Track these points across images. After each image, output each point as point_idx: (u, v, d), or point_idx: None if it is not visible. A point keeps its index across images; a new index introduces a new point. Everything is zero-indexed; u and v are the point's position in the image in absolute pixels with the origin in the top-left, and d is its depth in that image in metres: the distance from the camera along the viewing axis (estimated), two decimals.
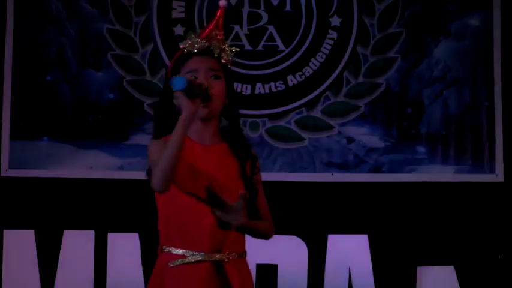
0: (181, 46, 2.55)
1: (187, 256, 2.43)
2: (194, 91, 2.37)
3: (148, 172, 2.50)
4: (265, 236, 2.57)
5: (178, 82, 2.36)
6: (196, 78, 2.46)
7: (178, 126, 2.36)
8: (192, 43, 2.53)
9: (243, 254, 2.51)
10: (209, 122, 2.51)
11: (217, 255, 2.44)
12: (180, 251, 2.44)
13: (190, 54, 2.52)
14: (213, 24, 2.56)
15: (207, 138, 2.51)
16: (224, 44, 2.55)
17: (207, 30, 2.55)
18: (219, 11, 2.57)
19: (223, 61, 2.53)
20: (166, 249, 2.47)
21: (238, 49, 2.60)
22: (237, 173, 2.50)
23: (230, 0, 4.35)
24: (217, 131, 2.54)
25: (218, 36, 2.54)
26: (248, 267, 2.54)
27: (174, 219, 2.47)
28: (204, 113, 2.47)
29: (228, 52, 2.55)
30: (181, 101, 2.38)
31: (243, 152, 2.53)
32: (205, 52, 2.51)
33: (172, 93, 2.47)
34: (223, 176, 2.47)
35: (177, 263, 2.44)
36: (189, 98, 2.37)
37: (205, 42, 2.52)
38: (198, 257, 2.43)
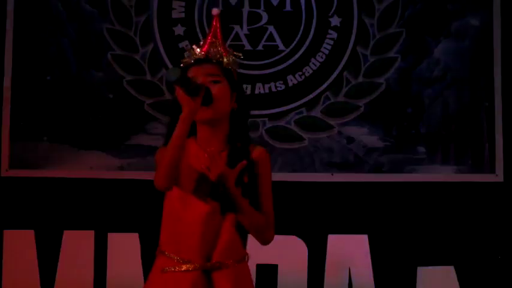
0: (185, 58, 2.58)
1: (179, 263, 2.45)
2: (191, 87, 2.39)
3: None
4: (258, 229, 2.52)
5: (172, 72, 2.38)
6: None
7: (179, 124, 2.39)
8: (191, 56, 2.56)
9: (242, 259, 2.51)
10: (216, 127, 2.51)
11: (208, 264, 2.44)
12: (173, 257, 2.46)
13: (189, 65, 2.55)
14: (210, 34, 2.59)
15: (213, 144, 2.50)
16: (225, 50, 2.56)
17: (207, 43, 2.58)
18: (214, 19, 2.59)
19: (225, 66, 2.53)
20: (163, 251, 2.49)
21: (240, 54, 2.61)
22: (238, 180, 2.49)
23: (230, 0, 4.36)
24: (226, 137, 2.54)
25: (213, 42, 2.56)
26: (248, 272, 2.53)
27: (169, 225, 2.49)
28: (207, 115, 2.48)
29: (230, 57, 2.56)
30: (181, 99, 2.40)
31: (240, 158, 2.52)
32: (204, 60, 2.55)
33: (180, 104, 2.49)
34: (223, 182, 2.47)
35: (168, 270, 2.46)
36: (189, 96, 2.38)
37: (200, 52, 2.55)
38: (188, 265, 2.44)
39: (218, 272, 2.46)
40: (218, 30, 2.58)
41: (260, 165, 2.54)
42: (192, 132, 2.51)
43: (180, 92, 2.41)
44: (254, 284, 2.59)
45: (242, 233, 2.52)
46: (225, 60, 2.55)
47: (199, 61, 2.54)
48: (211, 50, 2.55)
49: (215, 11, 2.61)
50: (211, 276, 2.45)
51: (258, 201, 2.52)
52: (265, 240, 2.56)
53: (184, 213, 2.46)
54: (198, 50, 2.56)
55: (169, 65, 4.31)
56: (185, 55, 2.60)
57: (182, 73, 2.39)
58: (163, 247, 2.50)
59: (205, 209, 2.45)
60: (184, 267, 2.45)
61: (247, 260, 2.54)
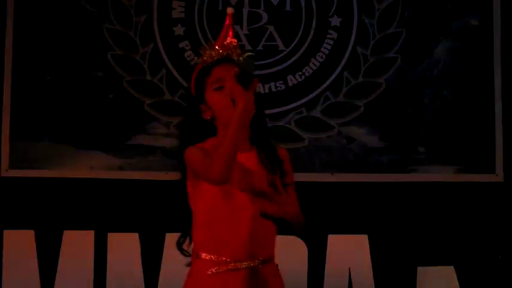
0: (200, 60, 2.55)
1: (224, 264, 2.44)
2: (247, 79, 2.36)
3: (182, 181, 2.50)
4: (296, 220, 2.53)
5: (248, 63, 2.37)
6: (224, 87, 2.47)
7: (234, 118, 2.33)
8: (210, 55, 2.54)
9: (273, 258, 2.52)
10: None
11: (254, 261, 2.45)
12: (215, 258, 2.45)
13: (213, 65, 2.52)
14: (223, 32, 2.57)
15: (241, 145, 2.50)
16: (239, 49, 2.55)
17: (220, 40, 2.56)
18: (227, 19, 2.58)
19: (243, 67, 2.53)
20: (202, 255, 2.47)
21: (251, 52, 2.60)
22: (264, 180, 2.49)
23: (230, 0, 4.36)
24: (247, 138, 2.52)
25: (233, 43, 2.55)
26: (279, 271, 2.55)
27: (210, 226, 2.46)
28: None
29: (245, 58, 2.55)
30: (235, 90, 2.35)
31: (269, 159, 2.51)
32: (226, 60, 2.52)
33: (199, 108, 2.49)
34: (255, 182, 2.47)
35: (214, 271, 2.44)
36: (245, 87, 2.36)
37: (222, 51, 2.53)
38: (234, 264, 2.44)
39: (263, 269, 2.46)
40: (231, 30, 2.57)
41: (285, 163, 2.58)
42: (206, 134, 2.52)
43: (234, 84, 2.37)
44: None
45: (273, 233, 2.53)
46: (241, 60, 2.54)
47: (223, 61, 2.52)
48: (234, 50, 2.53)
49: (230, 10, 2.60)
50: (259, 273, 2.45)
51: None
52: (301, 225, 2.55)
53: (232, 213, 2.45)
54: (215, 50, 2.54)
55: (170, 65, 4.31)
56: (202, 56, 2.57)
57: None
58: (202, 250, 2.48)
59: (251, 208, 2.44)
60: (231, 267, 2.44)
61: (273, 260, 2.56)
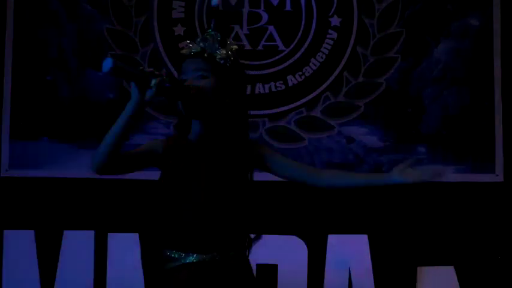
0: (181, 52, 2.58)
1: (182, 257, 2.44)
2: (129, 77, 2.35)
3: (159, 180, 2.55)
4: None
5: (105, 64, 2.33)
6: (185, 80, 2.48)
7: (123, 112, 2.42)
8: (190, 47, 2.55)
9: (242, 252, 2.52)
10: (210, 124, 2.50)
11: (213, 254, 2.44)
12: (175, 253, 2.46)
13: (183, 59, 2.55)
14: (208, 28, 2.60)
15: (206, 139, 2.51)
16: (222, 44, 2.55)
17: (203, 37, 2.59)
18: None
19: (218, 60, 2.52)
20: (164, 252, 2.49)
21: (237, 47, 2.60)
22: (230, 176, 2.50)
23: (230, 0, 4.36)
24: (219, 132, 2.53)
25: (212, 37, 2.55)
26: (249, 265, 2.54)
27: (169, 222, 2.48)
28: (190, 111, 2.47)
29: (226, 51, 2.54)
30: (131, 90, 2.39)
31: (241, 153, 2.52)
32: (196, 54, 2.53)
33: (172, 97, 2.49)
34: (215, 177, 2.47)
35: (172, 265, 2.45)
36: (137, 87, 2.37)
37: (199, 45, 2.54)
38: (192, 258, 2.44)
39: (223, 262, 2.46)
40: (215, 24, 2.58)
41: (266, 151, 2.61)
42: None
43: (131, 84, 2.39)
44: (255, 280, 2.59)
45: (241, 226, 2.53)
46: (218, 54, 2.54)
47: (192, 55, 2.53)
48: (206, 44, 2.54)
49: (214, 2, 2.61)
50: (218, 266, 2.45)
51: (296, 168, 2.60)
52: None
53: (183, 209, 2.45)
54: (193, 43, 2.56)
55: (170, 65, 4.31)
56: (184, 47, 2.58)
57: (116, 63, 2.32)
58: (164, 247, 2.49)
59: (205, 203, 2.45)
60: (188, 260, 2.44)
61: (248, 253, 2.55)
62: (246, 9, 4.37)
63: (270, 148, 2.66)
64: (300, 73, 4.38)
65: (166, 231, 2.49)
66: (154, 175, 4.19)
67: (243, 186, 2.51)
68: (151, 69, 2.39)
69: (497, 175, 4.32)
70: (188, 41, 2.58)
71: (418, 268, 4.22)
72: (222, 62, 2.52)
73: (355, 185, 2.57)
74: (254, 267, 3.99)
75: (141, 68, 2.39)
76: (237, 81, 2.58)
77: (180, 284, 2.43)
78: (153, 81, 2.35)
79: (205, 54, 2.52)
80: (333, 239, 4.22)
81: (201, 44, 2.53)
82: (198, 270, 2.43)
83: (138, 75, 2.36)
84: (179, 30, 4.36)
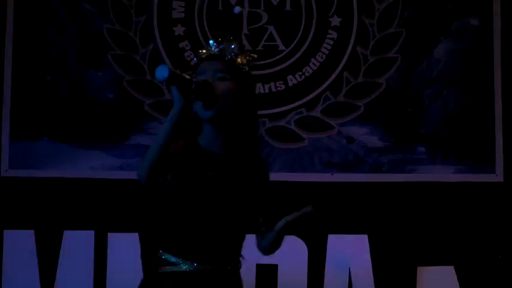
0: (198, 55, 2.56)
1: (179, 264, 2.44)
2: (182, 84, 2.35)
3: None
4: (271, 253, 2.59)
5: (161, 71, 2.33)
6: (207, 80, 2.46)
7: (167, 120, 2.37)
8: (206, 51, 2.53)
9: (236, 264, 2.51)
10: (221, 127, 2.49)
11: (210, 266, 2.44)
12: (173, 258, 2.45)
13: (200, 60, 2.52)
14: (229, 32, 2.57)
15: (217, 145, 2.49)
16: (241, 49, 2.54)
17: (224, 40, 2.56)
18: (234, 18, 2.58)
19: (237, 65, 2.51)
20: (160, 252, 2.48)
21: (255, 55, 2.59)
22: (240, 186, 2.49)
23: (230, 0, 4.36)
24: (230, 139, 2.52)
25: (233, 41, 2.54)
26: (241, 279, 2.53)
27: (172, 225, 2.47)
28: (209, 114, 2.46)
29: (244, 58, 2.53)
30: (173, 95, 2.38)
31: (250, 164, 2.51)
32: (216, 57, 2.51)
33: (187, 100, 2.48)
34: (225, 187, 2.47)
35: (168, 270, 2.44)
36: (180, 92, 2.36)
37: (218, 48, 2.52)
38: (187, 266, 2.43)
39: (218, 275, 2.45)
40: (236, 29, 2.56)
41: (262, 178, 2.59)
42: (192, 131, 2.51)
43: (172, 89, 2.38)
44: (252, 286, 2.60)
45: (241, 240, 2.52)
46: (238, 59, 2.53)
47: (211, 57, 2.51)
48: (226, 47, 2.53)
49: (237, 10, 2.59)
50: (214, 278, 2.45)
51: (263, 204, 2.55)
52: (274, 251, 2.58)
53: (188, 215, 2.44)
54: (214, 45, 2.54)
55: (170, 65, 4.31)
56: (200, 50, 2.56)
57: (172, 71, 2.35)
58: (162, 248, 2.49)
59: (211, 211, 2.45)
60: (182, 268, 2.44)
61: (240, 267, 2.55)
62: (246, 9, 4.37)
63: (267, 178, 2.63)
64: (300, 73, 4.38)
65: (167, 234, 2.48)
66: None
67: (249, 200, 2.51)
68: (190, 72, 2.40)
69: (497, 175, 4.32)
70: (208, 42, 2.56)
71: (418, 268, 4.22)
72: (241, 67, 2.51)
73: (269, 243, 2.57)
74: (254, 267, 4.03)
75: (178, 71, 2.39)
76: (252, 89, 2.57)
77: None
78: (194, 84, 2.36)
79: (226, 58, 2.51)
80: (333, 239, 4.22)
81: (222, 46, 2.52)
82: (192, 280, 2.42)
83: (185, 80, 2.36)
84: (179, 30, 4.36)
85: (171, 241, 2.47)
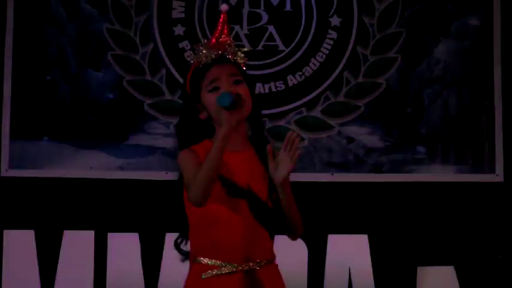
0: (194, 61, 2.53)
1: (220, 267, 2.43)
2: (235, 104, 2.38)
3: (179, 182, 2.50)
4: (298, 225, 2.54)
5: (225, 98, 2.36)
6: (219, 87, 2.46)
7: (219, 140, 2.35)
8: (205, 55, 2.51)
9: (273, 259, 2.52)
10: (238, 127, 2.49)
11: (250, 264, 2.44)
12: (212, 262, 2.44)
13: (207, 65, 2.50)
14: (218, 31, 2.54)
15: (236, 144, 2.49)
16: (235, 48, 2.54)
17: (214, 38, 2.53)
18: (222, 16, 2.56)
19: (240, 65, 2.52)
20: (198, 259, 2.46)
21: (248, 49, 2.59)
22: (264, 179, 2.49)
23: (230, 0, 4.36)
24: (246, 136, 2.52)
25: (228, 42, 2.53)
26: (279, 272, 2.53)
27: (205, 231, 2.45)
28: (238, 117, 2.44)
29: (240, 55, 2.53)
30: (221, 114, 2.37)
31: (264, 158, 2.52)
32: (221, 60, 2.50)
33: (195, 107, 2.48)
34: (251, 182, 2.47)
35: (210, 275, 2.43)
36: (229, 110, 2.37)
37: (217, 51, 2.51)
38: (230, 267, 2.43)
39: (260, 271, 2.45)
40: (226, 28, 2.55)
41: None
42: (204, 133, 2.51)
43: (218, 109, 2.38)
44: None
45: (272, 234, 2.53)
46: (238, 58, 2.53)
47: (217, 61, 2.49)
48: (228, 49, 2.52)
49: (224, 7, 2.57)
50: (256, 275, 2.44)
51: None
52: (299, 233, 2.57)
53: (225, 217, 2.44)
54: (209, 50, 2.52)
55: (170, 65, 4.31)
56: (196, 56, 2.55)
57: (234, 97, 2.36)
58: (199, 254, 2.46)
59: (243, 211, 2.44)
60: (226, 270, 2.44)
61: (274, 261, 2.55)
62: (246, 9, 4.37)
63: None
64: (300, 73, 4.38)
65: (202, 239, 2.47)
66: (154, 175, 4.21)
67: (273, 193, 2.52)
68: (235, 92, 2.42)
69: (497, 175, 4.32)
70: (202, 46, 2.54)
71: (418, 268, 4.22)
72: (243, 66, 2.52)
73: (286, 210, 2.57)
74: None
75: (235, 95, 2.41)
76: (254, 86, 2.58)
77: None
78: (238, 102, 2.39)
79: (233, 60, 2.50)
80: (333, 239, 4.22)
81: (217, 50, 2.51)
82: (237, 281, 2.42)
83: (237, 101, 2.39)
84: (179, 30, 4.36)
85: (208, 246, 2.45)
